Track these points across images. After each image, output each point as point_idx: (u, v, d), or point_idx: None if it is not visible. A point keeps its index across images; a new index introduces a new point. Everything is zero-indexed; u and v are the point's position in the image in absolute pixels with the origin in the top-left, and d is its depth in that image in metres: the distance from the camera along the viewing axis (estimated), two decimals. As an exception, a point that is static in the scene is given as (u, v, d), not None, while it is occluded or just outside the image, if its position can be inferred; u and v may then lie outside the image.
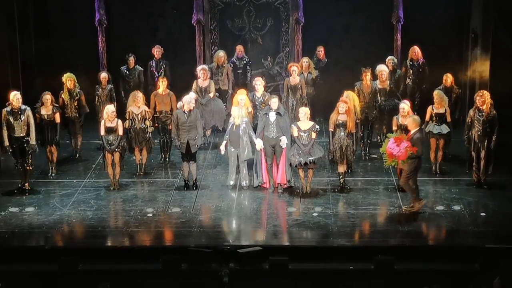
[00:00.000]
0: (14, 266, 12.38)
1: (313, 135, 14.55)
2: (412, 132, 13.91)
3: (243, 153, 14.93)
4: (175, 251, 12.37)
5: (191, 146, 14.94)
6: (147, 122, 15.70)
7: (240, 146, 14.91)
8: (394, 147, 13.53)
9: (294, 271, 11.96)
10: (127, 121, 15.58)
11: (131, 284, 12.05)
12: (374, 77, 16.73)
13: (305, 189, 14.79)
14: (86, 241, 13.34)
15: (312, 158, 14.46)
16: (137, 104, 15.69)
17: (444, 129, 15.50)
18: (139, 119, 15.64)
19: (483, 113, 14.58)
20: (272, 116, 14.82)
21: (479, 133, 14.64)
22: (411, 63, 18.09)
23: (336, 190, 14.95)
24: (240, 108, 15.04)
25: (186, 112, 14.92)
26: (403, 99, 16.35)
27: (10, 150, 14.87)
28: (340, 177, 14.95)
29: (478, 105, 14.62)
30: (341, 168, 14.86)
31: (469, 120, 14.83)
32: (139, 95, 15.79)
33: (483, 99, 14.57)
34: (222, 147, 15.11)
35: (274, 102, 14.88)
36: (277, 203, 14.54)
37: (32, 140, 14.95)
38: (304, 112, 14.69)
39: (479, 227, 13.46)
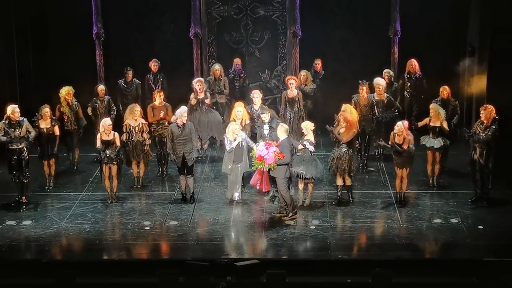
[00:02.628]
0: (11, 279, 12.33)
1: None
2: (281, 139, 14.07)
3: (244, 167, 14.96)
4: (173, 264, 12.34)
5: (187, 160, 14.94)
6: (145, 135, 15.71)
7: (243, 161, 14.90)
8: (263, 150, 13.81)
9: (292, 285, 11.91)
10: (124, 134, 15.58)
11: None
12: (372, 89, 16.77)
13: (302, 201, 14.77)
14: (83, 255, 13.32)
15: (305, 173, 14.47)
16: (134, 117, 15.69)
17: (438, 143, 15.47)
18: (137, 132, 15.64)
19: (483, 127, 14.56)
20: (266, 129, 15.04)
21: (478, 146, 14.59)
22: (408, 76, 18.16)
23: (333, 203, 14.94)
24: (236, 124, 15.02)
25: (180, 126, 14.93)
26: (398, 111, 16.44)
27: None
28: (338, 190, 14.95)
29: (482, 119, 14.60)
30: (339, 181, 14.86)
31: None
32: (136, 108, 15.78)
33: (486, 113, 14.54)
34: (227, 167, 14.95)
35: (264, 116, 15.09)
36: (275, 216, 14.49)
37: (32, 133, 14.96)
38: (304, 126, 14.73)
39: (477, 240, 13.45)
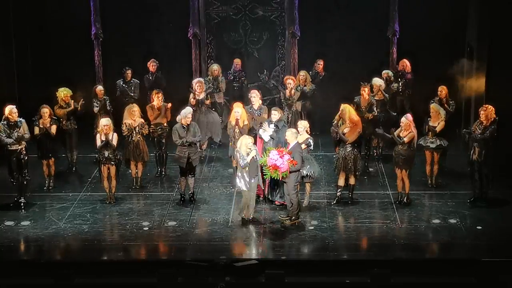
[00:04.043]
0: (9, 280, 12.32)
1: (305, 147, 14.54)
2: (291, 145, 13.94)
3: (257, 181, 14.34)
4: (171, 264, 12.34)
5: (192, 160, 14.93)
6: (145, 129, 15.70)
7: (257, 175, 14.24)
8: (278, 159, 13.53)
9: (291, 285, 11.93)
10: (125, 130, 15.50)
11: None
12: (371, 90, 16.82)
13: (303, 202, 14.78)
14: (82, 255, 13.31)
15: (306, 171, 14.46)
16: (132, 117, 15.68)
17: (434, 142, 15.45)
18: (136, 132, 15.63)
19: (482, 127, 14.53)
20: (271, 128, 14.89)
21: (477, 146, 14.58)
22: (399, 75, 18.19)
23: (332, 203, 14.94)
24: (249, 138, 14.27)
25: (185, 126, 14.92)
26: (396, 111, 16.43)
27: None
28: (338, 190, 14.95)
29: (482, 119, 14.57)
30: (341, 181, 14.85)
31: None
32: (134, 109, 15.77)
33: (486, 113, 14.52)
34: (243, 183, 14.15)
35: (274, 114, 14.93)
36: (273, 217, 14.48)
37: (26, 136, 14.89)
38: (303, 126, 14.71)
39: (475, 241, 13.46)
